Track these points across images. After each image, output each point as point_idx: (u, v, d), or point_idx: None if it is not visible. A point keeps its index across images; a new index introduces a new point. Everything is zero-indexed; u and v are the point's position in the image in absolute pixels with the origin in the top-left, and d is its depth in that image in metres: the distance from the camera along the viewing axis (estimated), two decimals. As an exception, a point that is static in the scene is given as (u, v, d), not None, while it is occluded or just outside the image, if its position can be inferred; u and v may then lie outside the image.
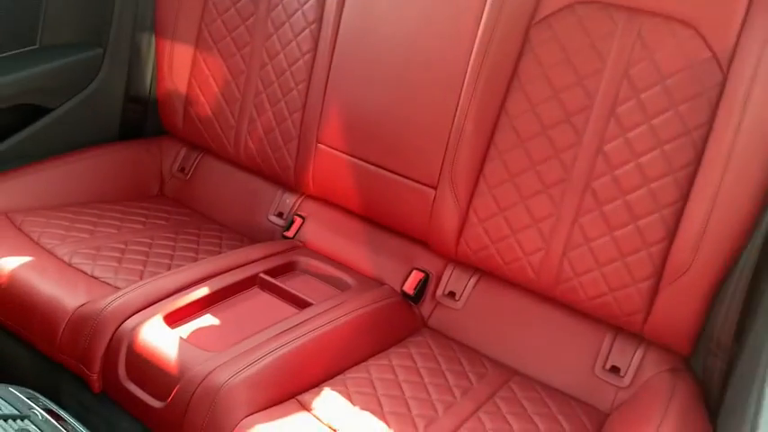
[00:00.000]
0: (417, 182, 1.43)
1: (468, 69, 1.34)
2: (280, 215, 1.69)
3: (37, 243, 1.40)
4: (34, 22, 1.64)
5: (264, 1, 1.63)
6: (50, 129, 1.72)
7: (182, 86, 1.76)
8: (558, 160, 1.28)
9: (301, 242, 1.61)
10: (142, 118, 1.90)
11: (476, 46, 1.33)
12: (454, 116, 1.37)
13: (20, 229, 1.44)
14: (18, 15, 1.60)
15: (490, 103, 1.33)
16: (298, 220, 1.64)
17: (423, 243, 1.48)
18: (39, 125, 1.69)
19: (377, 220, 1.54)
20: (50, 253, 1.38)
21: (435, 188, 1.41)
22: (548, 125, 1.28)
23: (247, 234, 1.70)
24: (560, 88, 1.27)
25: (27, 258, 1.33)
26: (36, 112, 1.69)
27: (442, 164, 1.39)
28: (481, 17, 1.32)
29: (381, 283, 1.48)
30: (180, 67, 1.75)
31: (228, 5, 1.67)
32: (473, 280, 1.44)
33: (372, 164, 1.49)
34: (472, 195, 1.37)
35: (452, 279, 1.45)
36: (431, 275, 1.47)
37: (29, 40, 1.66)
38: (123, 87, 1.83)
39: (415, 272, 1.47)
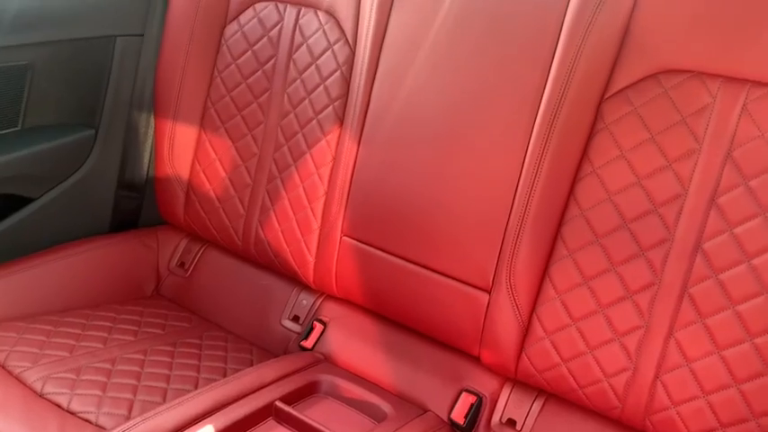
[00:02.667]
0: (466, 284, 1.19)
1: (529, 152, 1.12)
2: (296, 320, 1.43)
3: (2, 367, 1.15)
4: (16, 100, 1.44)
5: (280, 76, 1.43)
6: (31, 221, 1.49)
7: (183, 171, 1.54)
8: (644, 260, 1.05)
9: (322, 354, 1.35)
10: (137, 206, 1.67)
11: (537, 125, 1.11)
12: (512, 206, 1.14)
13: (-17, 349, 1.18)
14: (-2, 94, 1.40)
15: (556, 191, 1.10)
16: (318, 327, 1.39)
17: (474, 358, 1.22)
18: (17, 217, 1.46)
19: (415, 328, 1.28)
20: (18, 380, 1.12)
21: (489, 292, 1.17)
22: (629, 218, 1.05)
23: (257, 342, 1.44)
24: (644, 174, 1.04)
25: (-13, 390, 1.08)
26: (15, 202, 1.46)
27: (497, 263, 1.15)
28: (543, 91, 1.11)
29: (424, 410, 1.21)
30: (182, 150, 1.54)
31: (239, 81, 1.47)
32: (537, 404, 1.17)
33: (409, 261, 1.25)
34: (536, 302, 1.13)
35: (511, 403, 1.19)
36: (484, 399, 1.20)
37: (9, 122, 1.45)
38: (117, 173, 1.62)
39: (464, 394, 1.21)
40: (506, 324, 1.15)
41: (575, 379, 1.11)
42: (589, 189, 1.08)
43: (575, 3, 1.09)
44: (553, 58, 1.10)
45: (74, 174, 1.54)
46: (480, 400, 1.20)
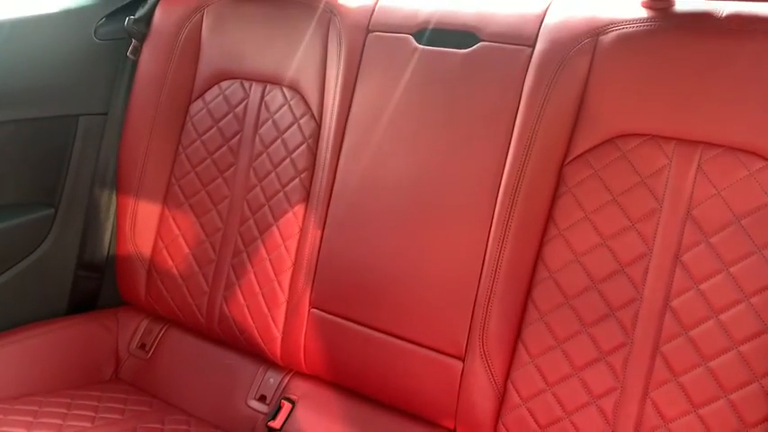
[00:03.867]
0: (439, 352, 1.17)
1: (495, 218, 1.13)
2: (262, 399, 1.38)
3: (-55, 460, 1.06)
4: (-28, 181, 1.41)
5: (246, 150, 1.43)
6: (-17, 304, 1.43)
7: (145, 249, 1.51)
8: (615, 320, 1.05)
9: (292, 434, 1.29)
10: (97, 287, 1.62)
11: (501, 192, 1.13)
12: (481, 272, 1.14)
13: (-75, 441, 1.10)
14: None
15: (524, 254, 1.11)
16: (286, 406, 1.33)
17: (450, 430, 1.19)
18: (-32, 301, 1.40)
19: (388, 402, 1.24)
20: (-38, 474, 1.04)
21: (462, 359, 1.15)
22: (598, 278, 1.06)
23: (222, 425, 1.37)
24: (609, 234, 1.06)
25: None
26: (-34, 285, 1.41)
27: (470, 329, 1.14)
28: (505, 160, 1.13)
29: (401, 488, 1.16)
30: (144, 228, 1.51)
31: (204, 156, 1.47)
32: (517, 477, 1.14)
33: (380, 330, 1.23)
34: (510, 367, 1.11)
35: (491, 477, 1.15)
36: (462, 473, 1.16)
37: (-36, 202, 1.41)
38: (76, 252, 1.57)
39: (442, 469, 1.17)
40: (481, 392, 1.12)
41: (554, 447, 1.08)
42: (556, 251, 1.10)
43: (530, 78, 1.13)
44: (513, 128, 1.14)
45: (30, 254, 1.49)
46: (458, 474, 1.16)
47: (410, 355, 1.20)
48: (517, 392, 1.10)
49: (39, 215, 1.50)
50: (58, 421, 1.24)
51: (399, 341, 1.21)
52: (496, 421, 1.12)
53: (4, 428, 1.18)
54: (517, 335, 1.11)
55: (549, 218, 1.11)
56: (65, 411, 1.28)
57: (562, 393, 1.07)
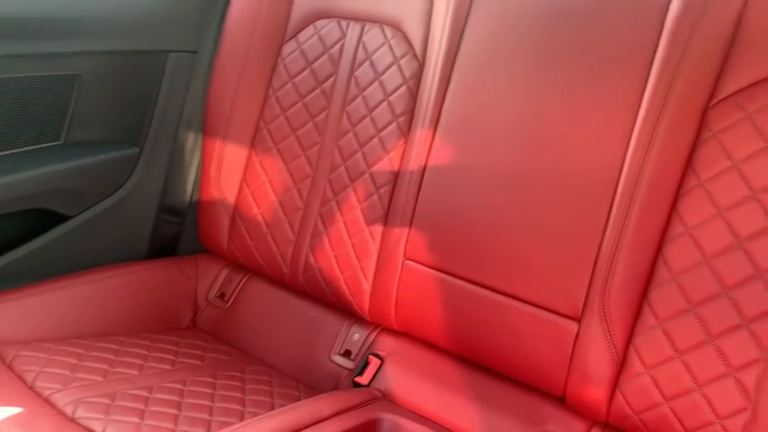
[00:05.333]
0: (551, 311, 1.06)
1: (626, 165, 1.01)
2: (347, 355, 1.30)
3: (30, 387, 1.02)
4: (61, 114, 1.37)
5: (340, 94, 1.35)
6: (65, 241, 1.39)
7: (230, 195, 1.44)
8: (761, 282, 0.92)
9: (380, 392, 1.21)
10: (177, 232, 1.57)
11: (635, 136, 1.01)
12: (606, 224, 1.02)
13: (10, 368, 1.06)
14: (41, 106, 1.33)
15: (657, 206, 0.99)
16: (374, 362, 1.25)
17: (557, 398, 1.09)
18: (51, 236, 1.37)
19: (487, 364, 1.15)
20: (47, 402, 0.99)
21: (578, 321, 1.04)
22: (744, 235, 0.94)
23: (304, 379, 1.31)
24: (760, 187, 0.94)
25: (13, 410, 0.94)
26: (49, 220, 1.37)
27: (589, 287, 1.03)
28: (642, 97, 1.02)
29: (501, 455, 1.07)
30: (230, 172, 1.45)
31: (295, 100, 1.40)
32: (632, 452, 1.03)
33: (483, 286, 1.13)
34: (633, 331, 1.00)
35: (601, 450, 1.04)
36: (570, 444, 1.06)
37: (52, 136, 1.37)
38: (159, 195, 1.53)
39: (547, 439, 1.07)
40: (598, 357, 1.02)
41: (680, 421, 0.96)
42: (695, 205, 0.97)
43: (675, 7, 1.01)
44: (651, 65, 1.02)
45: (114, 193, 1.45)
46: (565, 445, 1.06)
47: (516, 314, 1.10)
48: (640, 359, 0.99)
49: (123, 154, 1.45)
50: (140, 361, 1.19)
51: (504, 298, 1.11)
52: (613, 390, 1.01)
53: (87, 363, 1.13)
54: (643, 295, 1.00)
55: (689, 167, 0.99)
56: (145, 353, 1.23)
57: (694, 362, 0.96)
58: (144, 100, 1.47)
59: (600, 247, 1.02)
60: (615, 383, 1.01)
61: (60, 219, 1.38)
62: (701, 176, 0.97)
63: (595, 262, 1.03)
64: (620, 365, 1.01)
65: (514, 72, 1.13)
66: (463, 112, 1.18)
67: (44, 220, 1.36)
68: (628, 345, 1.00)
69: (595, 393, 1.02)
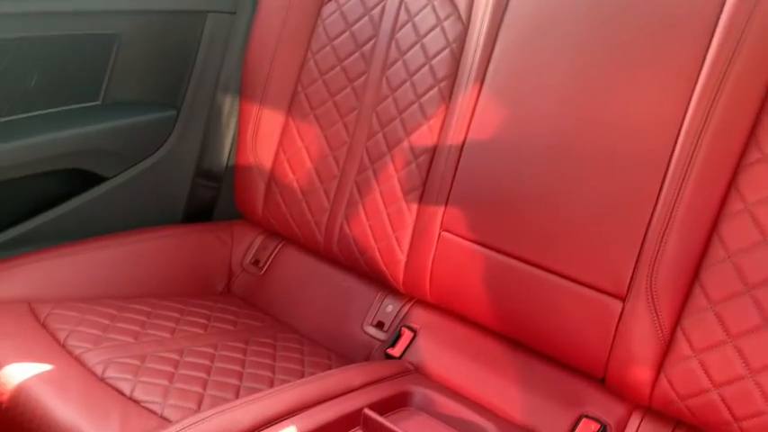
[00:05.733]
0: (594, 288, 1.01)
1: (682, 135, 0.95)
2: (379, 326, 1.28)
3: (62, 346, 1.02)
4: (99, 74, 1.35)
5: (380, 57, 1.30)
6: (102, 202, 1.39)
7: (266, 160, 1.42)
8: (827, 267, 0.86)
9: (412, 364, 1.18)
10: (213, 197, 1.56)
11: (693, 103, 0.94)
12: (658, 196, 0.96)
13: (43, 325, 1.06)
14: (80, 66, 1.32)
15: (715, 180, 0.93)
16: (407, 334, 1.22)
17: (597, 379, 1.04)
18: (88, 196, 1.37)
19: (525, 341, 1.10)
20: (78, 361, 0.99)
21: (623, 299, 0.99)
22: (810, 215, 0.87)
23: (335, 349, 1.29)
24: (832, 161, 0.86)
25: (44, 367, 0.95)
26: (86, 180, 1.37)
27: (636, 264, 0.98)
28: (701, 64, 0.95)
29: (535, 435, 1.03)
30: (266, 137, 1.42)
31: (334, 63, 1.36)
32: (676, 439, 0.98)
33: (523, 260, 1.08)
34: (681, 313, 0.94)
35: (641, 436, 1.00)
36: (609, 428, 1.01)
37: (91, 95, 1.36)
38: (195, 159, 1.51)
39: (585, 421, 1.02)
40: (643, 338, 0.96)
41: (729, 409, 0.91)
42: (756, 179, 0.90)
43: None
44: (715, 28, 0.94)
45: (151, 155, 1.44)
46: (604, 428, 1.01)
47: (557, 290, 1.05)
48: (688, 342, 0.93)
49: (161, 116, 1.44)
50: (172, 324, 1.19)
51: (545, 273, 1.06)
52: (657, 373, 0.96)
53: (119, 324, 1.13)
54: (694, 275, 0.94)
55: (751, 139, 0.91)
56: (178, 316, 1.23)
57: (747, 348, 0.90)
58: (182, 61, 1.45)
59: (649, 222, 0.97)
60: (660, 366, 0.96)
61: (97, 180, 1.38)
62: (763, 149, 0.90)
63: (644, 238, 0.97)
64: (666, 348, 0.95)
65: (564, 37, 1.06)
66: (508, 79, 1.12)
67: (81, 180, 1.36)
68: (675, 326, 0.95)
69: (638, 376, 0.97)
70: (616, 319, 0.99)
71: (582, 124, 1.04)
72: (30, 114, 1.28)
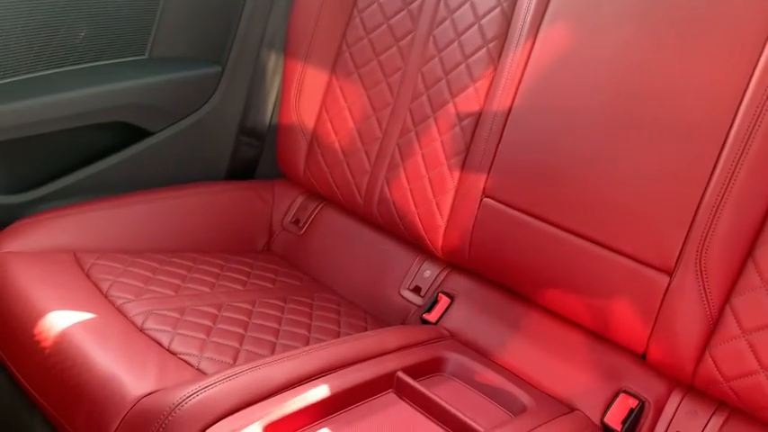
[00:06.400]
0: (640, 262, 0.98)
1: (741, 110, 0.89)
2: (416, 291, 1.27)
3: (105, 296, 1.04)
4: (146, 29, 1.35)
5: (427, 16, 1.27)
6: (147, 156, 1.40)
7: (309, 120, 1.41)
8: None
9: (448, 330, 1.17)
10: (256, 156, 1.56)
11: (754, 81, 0.89)
12: (713, 170, 0.92)
13: (87, 275, 1.09)
14: (128, 20, 1.32)
15: (776, 154, 0.88)
16: (443, 300, 1.21)
17: (637, 355, 1.01)
18: (133, 150, 1.38)
19: (565, 313, 1.08)
20: (119, 311, 1.01)
21: (670, 274, 0.95)
22: None
23: (371, 311, 1.29)
24: None
25: (86, 315, 0.97)
26: (131, 134, 1.38)
27: (686, 238, 0.93)
28: (765, 43, 0.89)
29: (571, 408, 1.01)
30: (310, 96, 1.41)
31: (380, 21, 1.33)
32: (716, 420, 0.94)
33: (566, 230, 1.05)
34: (731, 291, 0.91)
35: (681, 414, 0.96)
36: (647, 404, 0.99)
37: (137, 50, 1.37)
38: (239, 117, 1.51)
39: (623, 396, 1.00)
40: (688, 315, 0.93)
41: (777, 393, 0.88)
42: (822, 153, 0.85)
43: None
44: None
45: (195, 111, 1.44)
46: (642, 404, 0.98)
47: (600, 262, 1.01)
48: (737, 321, 0.90)
49: (206, 72, 1.44)
50: (212, 279, 1.20)
51: (589, 244, 1.03)
52: (702, 352, 0.92)
53: (160, 277, 1.15)
54: (748, 252, 0.89)
55: (819, 110, 0.86)
56: (218, 271, 1.24)
57: (800, 330, 0.86)
58: (228, 17, 1.44)
59: (702, 196, 0.92)
60: (705, 345, 0.92)
61: (143, 134, 1.39)
62: (833, 122, 0.85)
63: (696, 212, 0.92)
64: (713, 326, 0.92)
65: (624, 3, 1.01)
66: (561, 41, 1.07)
67: (127, 134, 1.38)
68: (724, 304, 0.91)
69: (681, 353, 0.94)
70: (661, 294, 0.96)
71: (637, 93, 0.99)
72: (79, 67, 1.29)
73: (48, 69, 1.24)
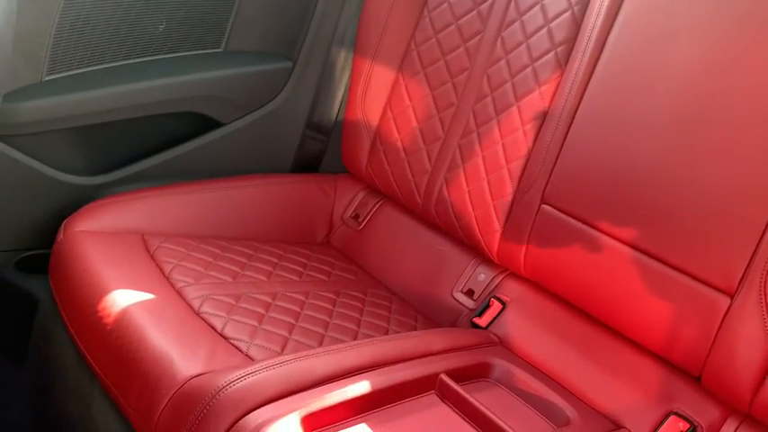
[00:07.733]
0: (699, 280, 0.94)
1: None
2: (469, 294, 1.26)
3: (166, 277, 1.09)
4: (222, 23, 1.40)
5: (497, 16, 1.25)
6: (217, 146, 1.45)
7: (373, 117, 1.42)
8: None
9: (497, 336, 1.16)
10: (321, 150, 1.59)
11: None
12: (785, 190, 0.87)
13: (152, 257, 1.14)
14: (206, 14, 1.37)
15: None
16: (495, 305, 1.20)
17: (691, 376, 0.97)
18: (204, 140, 1.43)
19: (618, 327, 1.05)
20: (178, 293, 1.06)
21: (732, 296, 0.91)
22: None
23: (423, 310, 1.29)
24: None
25: (147, 296, 1.02)
26: (203, 124, 1.44)
27: (751, 259, 0.89)
28: None
29: (617, 425, 0.98)
30: (376, 94, 1.42)
31: (449, 21, 1.32)
32: (774, 452, 0.90)
33: (626, 243, 1.02)
34: (798, 317, 0.86)
35: (736, 442, 0.93)
36: (699, 429, 0.95)
37: (213, 43, 1.42)
38: (307, 111, 1.54)
39: (673, 418, 0.96)
40: (750, 339, 0.89)
41: (842, 429, 0.82)
42: None
43: None
44: None
45: (265, 105, 1.48)
46: (694, 429, 0.95)
47: (659, 278, 0.98)
48: (802, 350, 0.85)
49: (278, 66, 1.47)
50: (269, 268, 1.24)
51: (648, 259, 0.99)
52: (762, 378, 0.88)
53: (220, 263, 1.19)
54: (818, 278, 0.85)
55: None
56: (276, 261, 1.28)
57: None
58: (301, 14, 1.47)
59: (772, 216, 0.88)
60: (766, 371, 0.88)
61: (214, 125, 1.44)
62: None
63: (764, 232, 0.88)
64: (776, 353, 0.87)
65: (698, 7, 0.97)
66: (631, 47, 1.04)
67: (199, 124, 1.43)
68: (789, 331, 0.86)
69: (740, 378, 0.90)
70: (721, 316, 0.92)
71: (709, 105, 0.95)
72: (157, 58, 1.35)
73: (128, 59, 1.30)
